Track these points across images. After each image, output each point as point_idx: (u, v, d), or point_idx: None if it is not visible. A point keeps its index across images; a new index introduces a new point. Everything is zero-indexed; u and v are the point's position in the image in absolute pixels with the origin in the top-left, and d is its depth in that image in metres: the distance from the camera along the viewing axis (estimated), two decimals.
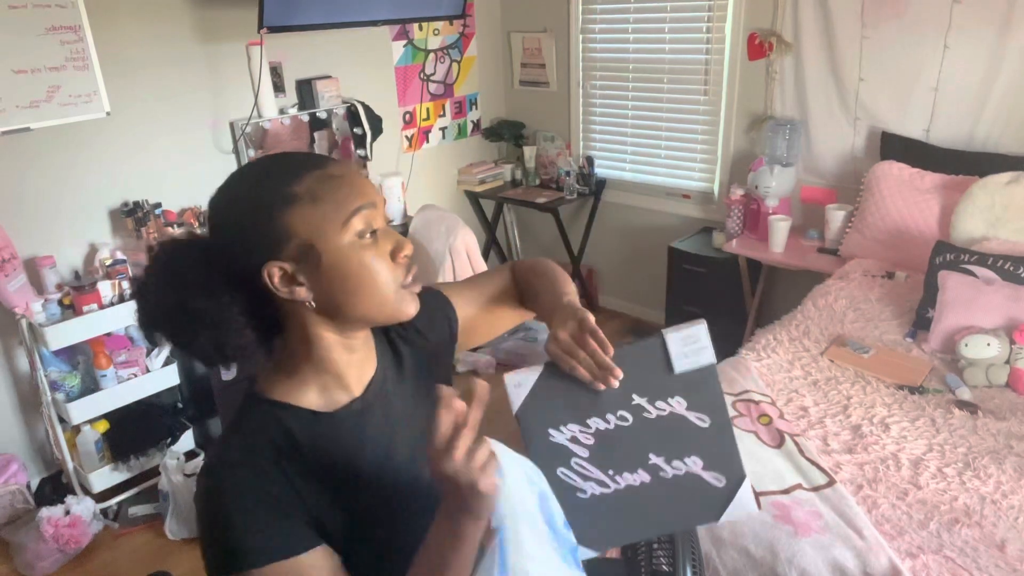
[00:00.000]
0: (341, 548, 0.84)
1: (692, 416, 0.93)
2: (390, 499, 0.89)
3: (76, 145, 2.65)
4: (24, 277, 2.45)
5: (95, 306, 2.46)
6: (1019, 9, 2.50)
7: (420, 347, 1.03)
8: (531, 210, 4.06)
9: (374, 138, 3.42)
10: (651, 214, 3.83)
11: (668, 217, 3.76)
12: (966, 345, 2.10)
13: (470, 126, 4.16)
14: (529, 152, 4.09)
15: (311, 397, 0.88)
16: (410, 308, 0.87)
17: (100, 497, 2.63)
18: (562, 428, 0.92)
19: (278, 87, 3.17)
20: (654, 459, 0.93)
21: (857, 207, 2.90)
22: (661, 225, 3.79)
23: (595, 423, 0.92)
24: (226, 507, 0.78)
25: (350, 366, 0.90)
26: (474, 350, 3.57)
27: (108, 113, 2.63)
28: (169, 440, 2.74)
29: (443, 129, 4.03)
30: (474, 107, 4.15)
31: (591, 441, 0.92)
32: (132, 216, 2.73)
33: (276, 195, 0.81)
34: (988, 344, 2.07)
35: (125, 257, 2.66)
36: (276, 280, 0.81)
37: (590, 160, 3.89)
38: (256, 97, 2.93)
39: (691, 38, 3.42)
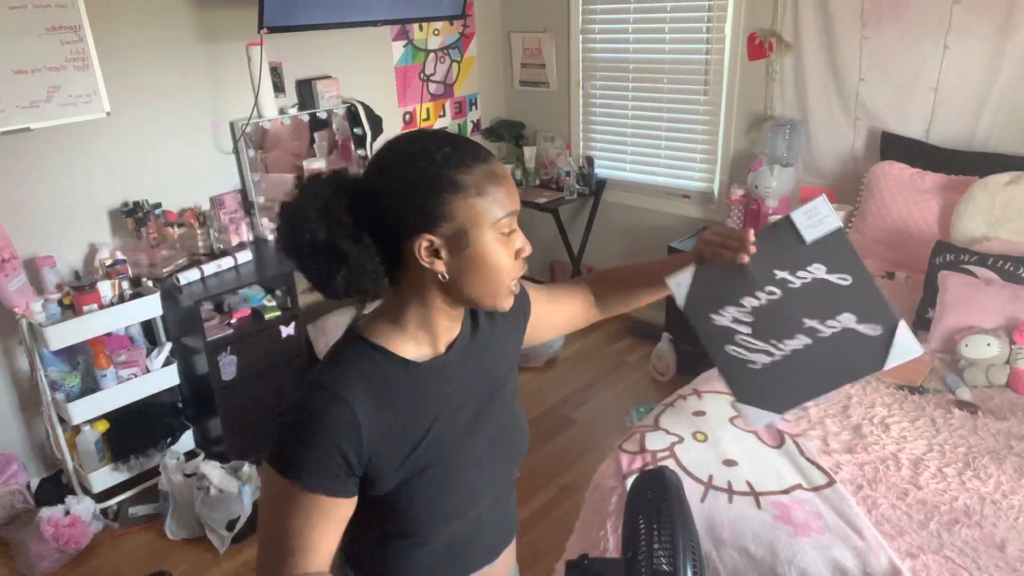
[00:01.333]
0: (387, 495, 0.95)
1: (834, 278, 1.01)
2: (453, 443, 0.99)
3: (76, 145, 2.65)
4: (24, 277, 2.46)
5: (95, 306, 2.46)
6: (1019, 9, 2.50)
7: (494, 320, 1.12)
8: (531, 210, 4.06)
9: (374, 138, 3.43)
10: (651, 214, 3.84)
11: (668, 217, 3.76)
12: (966, 345, 2.10)
13: (470, 126, 4.17)
14: (529, 152, 4.09)
15: (407, 347, 0.97)
16: (508, 303, 0.97)
17: (100, 497, 2.63)
18: (722, 312, 1.05)
19: (278, 87, 3.17)
20: (809, 322, 1.02)
21: (857, 207, 2.90)
22: (661, 225, 3.79)
23: (748, 302, 1.04)
24: (303, 423, 0.88)
25: (446, 329, 0.99)
26: None
27: (108, 113, 2.63)
28: (169, 440, 2.74)
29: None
30: (474, 107, 4.15)
31: (750, 319, 1.04)
32: (132, 216, 2.73)
33: (447, 178, 0.88)
34: (988, 344, 2.07)
35: (125, 257, 2.66)
36: (422, 250, 0.90)
37: (590, 160, 3.89)
38: (256, 97, 2.93)
39: (691, 38, 3.42)
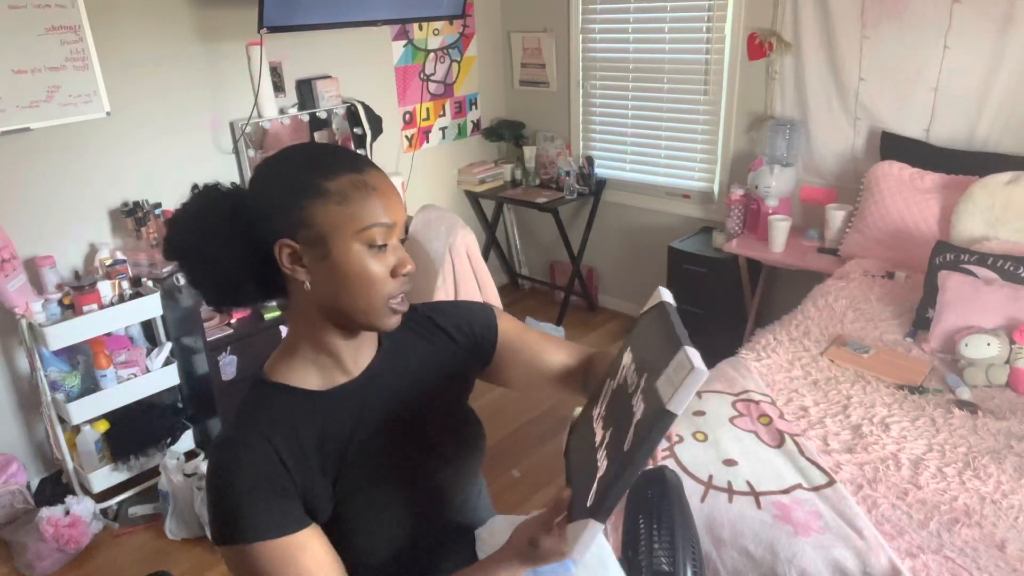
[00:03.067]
0: (327, 524, 0.92)
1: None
2: (372, 476, 0.95)
3: (76, 145, 2.65)
4: (24, 277, 2.45)
5: (95, 306, 2.46)
6: (1019, 9, 2.50)
7: (442, 347, 1.08)
8: (531, 210, 4.06)
9: (374, 138, 3.43)
10: (651, 214, 3.83)
11: (668, 217, 3.76)
12: (966, 345, 2.10)
13: (470, 126, 4.17)
14: (529, 152, 4.09)
15: (310, 378, 0.95)
16: (389, 322, 0.92)
17: (100, 497, 2.63)
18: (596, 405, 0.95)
19: (278, 87, 3.17)
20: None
21: (857, 207, 2.90)
22: (661, 225, 3.79)
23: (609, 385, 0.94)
24: (225, 485, 0.85)
25: (346, 348, 0.95)
26: None
27: (108, 113, 2.63)
28: (169, 440, 2.74)
29: (443, 129, 4.03)
30: (474, 107, 4.15)
31: (606, 408, 0.93)
32: (132, 216, 2.73)
33: (310, 184, 0.87)
34: (988, 344, 2.07)
35: (125, 257, 2.66)
36: (284, 256, 0.88)
37: (590, 160, 3.89)
38: (256, 97, 2.93)
39: (691, 38, 3.42)
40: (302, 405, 0.93)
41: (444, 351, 1.08)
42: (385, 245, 0.89)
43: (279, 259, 0.88)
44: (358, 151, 3.39)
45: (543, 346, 1.15)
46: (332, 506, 0.91)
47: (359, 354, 0.98)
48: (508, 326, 1.14)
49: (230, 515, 0.84)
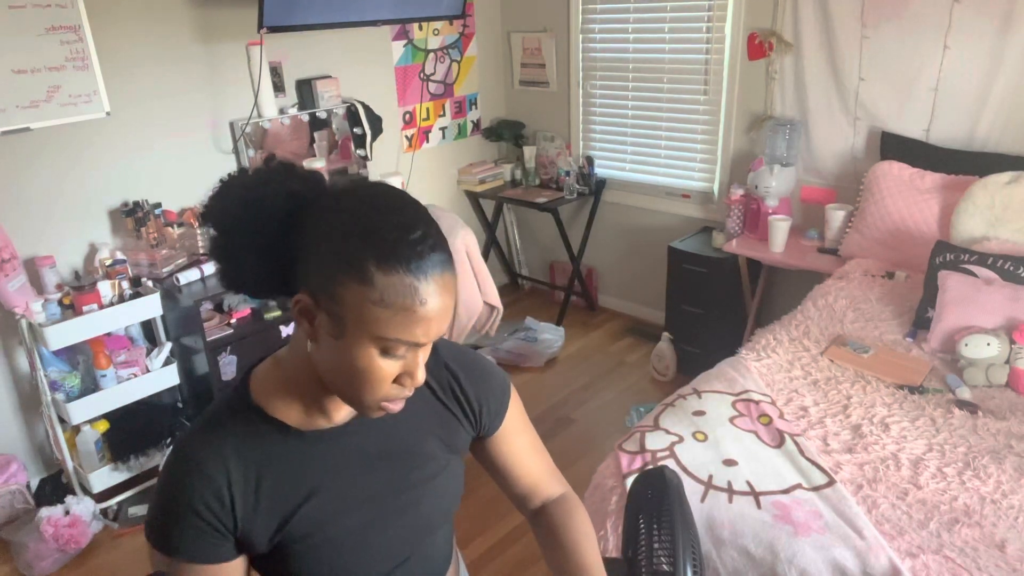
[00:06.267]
0: (261, 564, 0.92)
1: None
2: (333, 517, 0.92)
3: (76, 145, 2.66)
4: (24, 277, 2.46)
5: (95, 306, 2.46)
6: (1019, 9, 2.50)
7: (447, 411, 1.01)
8: (531, 210, 4.06)
9: (374, 138, 3.43)
10: (651, 214, 3.84)
11: (668, 217, 3.76)
12: (966, 345, 2.10)
13: (470, 126, 4.17)
14: (529, 152, 4.09)
15: (292, 411, 0.90)
16: (372, 415, 0.86)
17: (100, 497, 2.63)
18: None
19: (278, 87, 3.17)
20: None
21: (857, 207, 2.90)
22: (661, 225, 3.79)
23: None
24: (170, 495, 0.86)
25: (335, 399, 0.91)
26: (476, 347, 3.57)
27: (108, 113, 2.63)
28: (169, 440, 2.74)
29: (443, 129, 4.03)
30: (474, 107, 4.15)
31: None
32: (132, 216, 2.73)
33: (359, 263, 0.75)
34: (988, 344, 2.07)
35: (125, 257, 2.66)
36: (296, 307, 0.81)
37: (590, 160, 3.90)
38: (256, 97, 2.93)
39: (691, 38, 3.42)
40: (276, 439, 0.88)
41: (446, 415, 1.01)
42: (402, 357, 0.81)
43: (292, 304, 0.81)
44: (358, 151, 3.38)
45: (524, 457, 1.10)
46: (272, 543, 0.89)
47: (344, 405, 0.92)
48: (510, 421, 1.07)
49: (164, 523, 0.85)
